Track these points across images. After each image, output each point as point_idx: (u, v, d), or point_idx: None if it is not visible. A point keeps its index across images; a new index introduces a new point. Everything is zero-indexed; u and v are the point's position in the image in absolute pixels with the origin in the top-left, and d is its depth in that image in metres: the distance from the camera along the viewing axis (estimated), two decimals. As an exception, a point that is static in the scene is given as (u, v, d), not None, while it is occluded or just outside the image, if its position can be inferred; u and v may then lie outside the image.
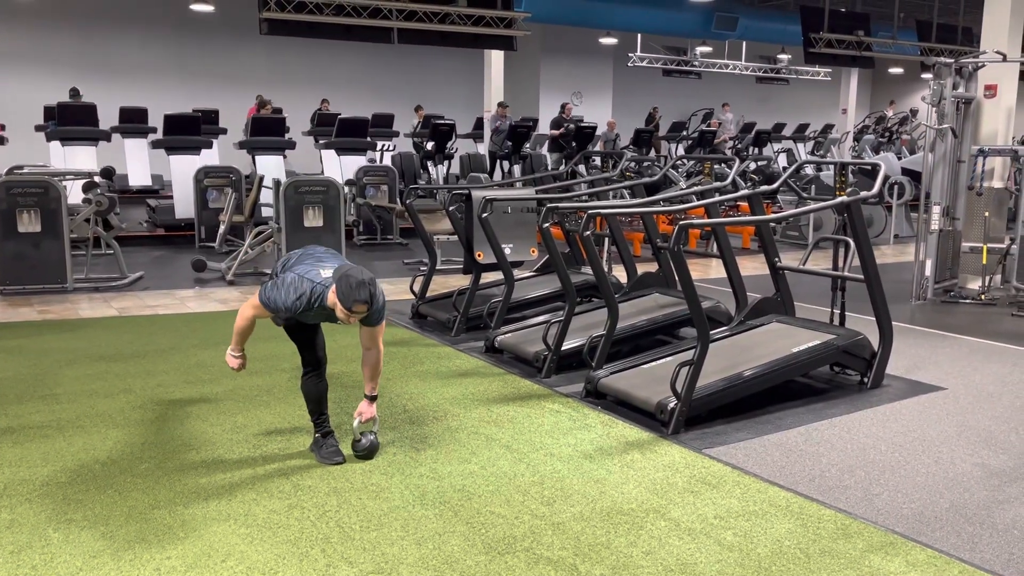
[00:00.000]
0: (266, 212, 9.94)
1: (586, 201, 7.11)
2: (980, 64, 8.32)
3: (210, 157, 12.66)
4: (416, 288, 7.22)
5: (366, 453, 4.07)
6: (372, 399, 4.07)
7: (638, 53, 21.08)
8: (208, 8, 16.49)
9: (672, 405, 4.46)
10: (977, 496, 3.76)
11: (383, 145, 14.69)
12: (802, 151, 19.91)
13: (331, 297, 3.67)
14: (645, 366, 5.12)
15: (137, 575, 3.01)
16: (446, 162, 15.27)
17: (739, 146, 18.69)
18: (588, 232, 5.15)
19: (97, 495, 3.65)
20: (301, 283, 3.73)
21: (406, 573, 3.05)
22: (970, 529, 3.45)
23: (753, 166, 14.88)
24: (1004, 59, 8.22)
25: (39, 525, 3.38)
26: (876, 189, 5.28)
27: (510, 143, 14.64)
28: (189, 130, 12.48)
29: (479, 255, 6.63)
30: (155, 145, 12.99)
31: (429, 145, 14.75)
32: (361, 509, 3.55)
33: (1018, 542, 3.34)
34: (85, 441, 4.28)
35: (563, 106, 16.36)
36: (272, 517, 3.47)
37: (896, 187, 12.13)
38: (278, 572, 3.05)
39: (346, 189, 11.08)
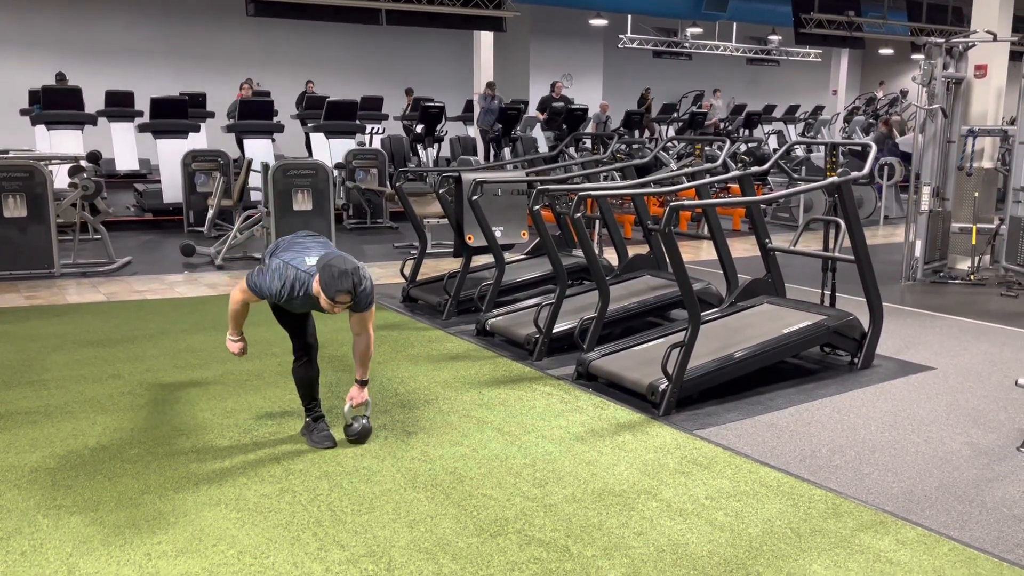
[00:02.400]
0: (255, 196, 9.88)
1: (577, 183, 7.08)
2: (970, 44, 8.31)
3: (198, 141, 12.56)
4: (407, 272, 7.19)
5: (358, 437, 4.05)
6: (363, 384, 4.06)
7: (628, 35, 20.98)
8: (194, -11, 16.32)
9: (663, 387, 4.46)
10: (967, 475, 3.78)
11: (372, 128, 14.60)
12: (792, 132, 19.91)
13: (315, 286, 3.64)
14: (636, 348, 5.12)
15: (127, 560, 3.00)
16: (436, 145, 15.20)
17: (729, 128, 18.67)
18: (579, 214, 5.13)
19: (86, 481, 3.64)
20: (285, 270, 3.71)
21: (398, 556, 3.05)
22: (960, 507, 3.46)
23: (744, 148, 14.87)
24: (994, 39, 8.21)
25: (28, 511, 3.36)
26: (867, 170, 5.28)
27: (500, 125, 14.57)
28: (176, 113, 12.36)
29: (470, 238, 6.60)
30: (142, 129, 12.88)
31: (419, 128, 14.68)
32: (353, 492, 3.54)
33: (1007, 520, 3.36)
34: (74, 427, 4.25)
35: (553, 85, 16.29)
36: (263, 501, 3.46)
37: (886, 168, 12.15)
38: (269, 556, 3.04)
39: (335, 172, 11.04)
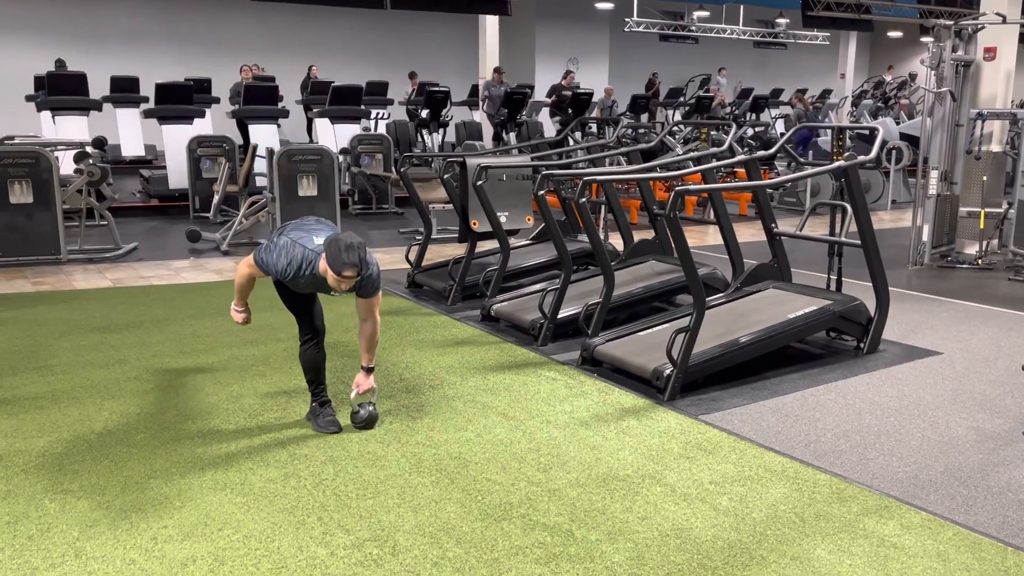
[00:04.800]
0: (260, 182, 9.87)
1: (582, 168, 7.06)
2: (980, 26, 8.23)
3: (203, 126, 12.54)
4: (412, 257, 7.19)
5: (364, 424, 4.06)
6: (369, 371, 4.06)
7: (635, 18, 20.82)
8: (198, -26, 16.24)
9: (668, 372, 4.46)
10: (972, 459, 3.78)
11: (377, 113, 14.55)
12: (800, 116, 19.73)
13: (322, 264, 3.65)
14: (641, 333, 5.11)
15: (134, 544, 3.02)
16: (441, 130, 15.15)
17: (736, 112, 18.56)
18: (584, 199, 5.11)
19: (93, 465, 3.65)
20: (293, 248, 3.74)
21: (403, 540, 3.06)
22: (964, 492, 3.46)
23: (750, 132, 14.79)
24: (1004, 21, 8.13)
25: (35, 495, 3.38)
26: (874, 154, 5.24)
27: (506, 110, 14.51)
28: (181, 99, 12.34)
29: (475, 223, 6.59)
30: (147, 115, 12.85)
31: (424, 113, 14.62)
32: (358, 477, 3.55)
33: (1012, 504, 3.36)
34: (80, 412, 4.27)
35: (565, 74, 16.18)
36: (269, 486, 3.47)
37: (894, 152, 12.07)
38: (275, 540, 3.05)
39: (340, 158, 11.02)
